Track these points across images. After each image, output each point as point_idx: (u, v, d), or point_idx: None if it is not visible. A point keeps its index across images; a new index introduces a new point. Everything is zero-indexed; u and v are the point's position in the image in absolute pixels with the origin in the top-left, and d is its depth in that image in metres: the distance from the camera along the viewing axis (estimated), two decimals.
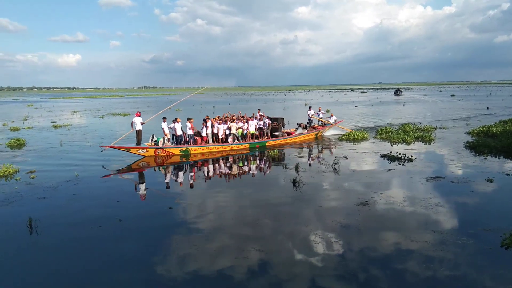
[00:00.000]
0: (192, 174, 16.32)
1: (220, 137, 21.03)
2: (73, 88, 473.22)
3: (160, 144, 19.38)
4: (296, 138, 24.22)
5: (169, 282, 7.02)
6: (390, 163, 16.61)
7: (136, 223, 10.07)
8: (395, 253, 8.01)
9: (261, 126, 22.80)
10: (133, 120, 19.91)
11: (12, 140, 24.54)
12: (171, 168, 17.43)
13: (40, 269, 7.62)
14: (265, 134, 22.95)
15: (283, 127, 24.83)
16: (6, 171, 15.57)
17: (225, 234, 9.24)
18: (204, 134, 20.72)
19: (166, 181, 15.16)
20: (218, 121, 21.28)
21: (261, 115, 23.53)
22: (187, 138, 20.20)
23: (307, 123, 27.21)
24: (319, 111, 27.99)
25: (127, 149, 18.92)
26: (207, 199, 12.23)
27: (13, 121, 41.70)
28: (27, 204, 11.85)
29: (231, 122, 21.68)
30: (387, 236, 8.88)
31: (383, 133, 25.23)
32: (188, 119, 20.07)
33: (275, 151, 19.72)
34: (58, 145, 23.78)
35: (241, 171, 16.47)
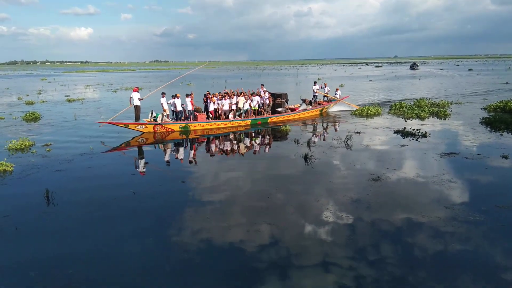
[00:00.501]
0: (203, 149, 16.44)
1: (220, 113, 20.54)
2: (85, 62, 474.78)
3: (159, 120, 19.07)
4: (299, 114, 23.68)
5: (183, 253, 7.20)
6: (403, 138, 16.44)
7: (150, 196, 10.27)
8: (405, 228, 8.03)
9: (261, 102, 22.04)
10: (131, 96, 19.53)
11: (27, 114, 24.92)
12: (180, 144, 17.55)
13: (57, 239, 7.87)
14: (265, 111, 22.28)
15: (287, 103, 24.13)
16: (22, 144, 15.90)
17: (237, 208, 9.37)
18: (211, 108, 20.37)
19: (178, 156, 15.30)
20: (217, 97, 20.69)
21: (264, 91, 22.74)
22: (187, 114, 19.88)
23: (312, 98, 26.44)
24: (325, 86, 27.32)
25: (126, 125, 18.63)
26: (220, 174, 12.35)
27: (27, 95, 42.21)
28: (44, 176, 12.15)
29: (239, 96, 21.14)
30: (398, 211, 8.89)
31: (397, 109, 24.86)
32: (187, 94, 19.68)
33: (287, 126, 19.60)
34: (72, 119, 24.09)
35: (252, 147, 16.51)
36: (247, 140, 17.91)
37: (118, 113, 20.73)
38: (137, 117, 19.29)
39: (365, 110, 24.04)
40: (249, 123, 21.18)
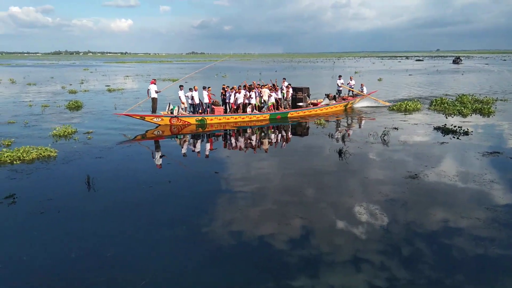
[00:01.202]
0: (234, 142, 16.54)
1: (235, 106, 19.99)
2: (125, 53, 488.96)
3: (175, 112, 18.75)
4: (322, 109, 22.62)
5: (213, 243, 7.31)
6: (443, 136, 15.81)
7: (184, 185, 10.49)
8: (443, 229, 7.75)
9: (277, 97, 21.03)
10: (149, 88, 19.44)
11: (70, 102, 26.05)
12: (211, 136, 17.73)
13: (96, 223, 8.21)
14: (282, 106, 21.33)
15: (309, 97, 23.03)
16: (65, 131, 16.64)
17: (269, 200, 9.38)
18: (231, 100, 19.82)
19: (211, 147, 15.50)
20: (235, 90, 20.01)
21: (287, 85, 21.80)
22: (204, 107, 19.51)
23: (336, 93, 25.32)
24: (350, 80, 26.03)
25: (142, 117, 18.52)
26: (251, 166, 12.40)
27: (70, 84, 44.08)
28: (85, 162, 12.69)
29: (263, 88, 20.49)
30: (435, 211, 8.59)
31: (438, 104, 23.90)
32: (204, 87, 19.35)
33: (322, 120, 19.35)
34: (112, 108, 24.93)
35: (285, 140, 16.44)
36: (278, 133, 17.86)
37: (134, 105, 21.17)
38: (154, 110, 19.23)
39: (404, 105, 23.28)
40: (268, 117, 20.46)
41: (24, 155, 12.63)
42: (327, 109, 22.90)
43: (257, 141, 16.25)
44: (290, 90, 21.79)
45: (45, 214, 8.51)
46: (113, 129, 18.12)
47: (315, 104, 23.07)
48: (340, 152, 13.02)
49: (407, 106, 23.11)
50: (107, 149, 14.40)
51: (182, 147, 15.41)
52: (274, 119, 20.50)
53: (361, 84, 25.73)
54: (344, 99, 24.65)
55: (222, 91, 20.94)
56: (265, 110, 20.54)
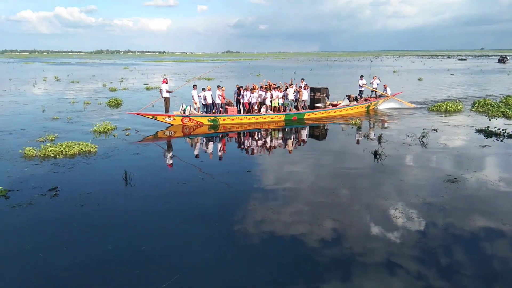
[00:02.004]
0: (266, 141, 16.54)
1: (249, 106, 19.36)
2: (163, 52, 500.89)
3: (187, 112, 18.42)
4: (341, 111, 21.58)
5: (245, 240, 7.35)
6: (486, 138, 15.07)
7: (217, 182, 10.62)
8: (483, 236, 7.39)
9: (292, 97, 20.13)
10: (161, 87, 19.25)
11: (111, 100, 27.00)
12: (242, 135, 17.80)
13: (132, 217, 8.46)
14: (296, 108, 20.39)
15: (327, 98, 22.01)
16: (105, 127, 17.28)
17: (301, 200, 9.31)
18: (245, 100, 19.25)
19: (242, 147, 15.59)
20: (249, 90, 19.34)
21: (305, 85, 20.78)
22: (217, 107, 19.08)
23: (358, 94, 24.01)
24: (374, 80, 24.41)
25: (154, 117, 18.33)
26: (284, 166, 12.36)
27: (111, 82, 45.70)
28: (123, 158, 13.12)
29: (290, 87, 19.95)
30: (476, 217, 8.20)
31: (481, 106, 22.80)
32: (218, 87, 18.94)
33: (357, 120, 18.95)
34: (150, 106, 25.58)
35: (318, 140, 16.26)
36: (310, 133, 17.69)
37: (147, 104, 21.39)
38: (167, 109, 19.05)
39: (444, 106, 22.40)
40: (283, 118, 19.77)
41: (67, 150, 13.22)
42: (347, 110, 21.86)
43: (289, 141, 16.17)
44: (305, 91, 20.51)
45: (85, 207, 8.88)
46: (151, 125, 18.59)
47: (334, 105, 21.95)
48: (375, 153, 12.71)
49: (448, 107, 22.23)
50: (144, 146, 14.84)
51: (214, 146, 15.59)
52: (289, 120, 19.83)
53: (384, 85, 24.38)
54: (366, 100, 23.49)
55: (237, 91, 20.17)
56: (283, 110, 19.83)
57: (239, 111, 19.56)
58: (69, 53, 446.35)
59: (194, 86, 19.32)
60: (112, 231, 7.82)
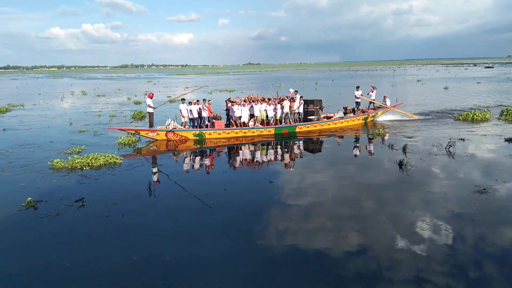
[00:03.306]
0: (289, 151, 16.46)
1: (242, 120, 18.71)
2: (185, 65, 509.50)
3: (171, 126, 17.94)
4: (335, 123, 20.78)
5: (267, 253, 7.28)
6: None
7: (239, 193, 10.61)
8: None
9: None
10: (148, 103, 18.74)
11: (135, 113, 27.58)
12: (267, 145, 17.76)
13: (156, 228, 8.53)
14: (289, 120, 19.57)
15: (321, 110, 21.21)
16: (130, 140, 17.64)
17: (324, 212, 9.17)
18: (238, 114, 18.49)
19: (260, 157, 15.56)
20: (239, 104, 18.72)
21: (300, 97, 20.30)
22: (206, 122, 18.60)
23: (355, 106, 23.10)
24: (371, 91, 23.30)
25: (137, 132, 17.86)
26: (306, 176, 12.25)
27: (135, 95, 46.75)
28: (147, 169, 13.34)
29: (285, 99, 19.20)
30: (507, 229, 7.86)
31: (510, 114, 22.04)
32: (204, 100, 18.58)
33: (381, 130, 18.64)
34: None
35: (341, 150, 16.06)
36: (334, 142, 17.50)
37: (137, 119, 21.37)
38: (151, 124, 18.60)
39: (471, 115, 21.78)
40: (273, 132, 19.08)
41: (93, 162, 13.54)
42: (342, 122, 21.07)
43: (311, 151, 16.05)
44: (296, 103, 19.85)
45: (110, 218, 9.02)
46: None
47: (329, 118, 21.14)
48: (400, 164, 12.45)
49: (475, 116, 21.61)
50: (167, 158, 15.07)
51: (234, 157, 15.63)
52: (280, 134, 19.05)
53: (384, 96, 23.64)
54: (363, 112, 22.65)
55: (226, 106, 19.56)
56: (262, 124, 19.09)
57: (227, 125, 18.96)
58: (96, 67, 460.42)
59: (182, 100, 18.76)
60: (137, 242, 7.90)
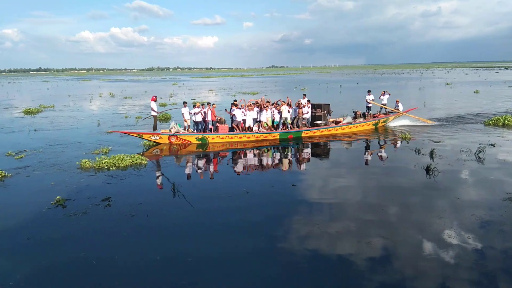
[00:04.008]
0: (312, 154, 16.33)
1: (247, 125, 18.35)
2: (210, 68, 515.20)
3: (173, 130, 17.65)
4: (343, 128, 20.21)
5: (288, 256, 7.23)
6: None
7: (261, 196, 10.61)
8: None
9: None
10: (151, 106, 18.51)
11: (160, 115, 28.01)
12: (286, 148, 17.67)
13: (179, 229, 8.64)
14: (297, 125, 19.22)
15: (329, 115, 20.47)
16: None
17: (348, 217, 9.05)
18: (239, 118, 18.12)
19: (286, 160, 15.50)
20: (244, 107, 18.40)
21: (306, 101, 19.87)
22: (210, 126, 18.29)
23: (366, 110, 22.44)
24: (382, 95, 22.73)
25: (140, 135, 17.72)
26: (330, 181, 12.12)
27: (161, 98, 47.50)
28: (171, 170, 13.54)
29: (283, 105, 18.69)
30: None
31: None
32: (208, 104, 18.42)
33: (407, 134, 18.23)
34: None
35: (365, 154, 15.81)
36: (359, 146, 17.25)
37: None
38: (154, 127, 18.38)
39: (502, 120, 21.02)
40: (277, 136, 18.67)
41: (119, 162, 13.85)
42: (350, 128, 20.46)
43: (334, 155, 15.87)
44: (305, 109, 19.39)
45: (135, 218, 9.20)
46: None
47: (337, 123, 20.60)
48: (427, 169, 12.14)
49: (506, 121, 20.84)
50: (191, 159, 15.24)
51: (257, 159, 15.65)
52: (285, 139, 18.68)
53: (396, 101, 22.93)
54: (374, 117, 21.99)
55: (231, 109, 18.98)
56: (267, 129, 18.65)
57: (231, 129, 18.61)
58: (123, 70, 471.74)
59: (184, 103, 18.66)
60: (161, 242, 8.02)
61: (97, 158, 14.09)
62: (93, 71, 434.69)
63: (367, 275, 6.54)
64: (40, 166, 13.95)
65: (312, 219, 8.91)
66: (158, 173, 13.35)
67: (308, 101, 20.21)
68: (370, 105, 22.55)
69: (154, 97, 18.85)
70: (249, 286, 6.38)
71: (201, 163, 15.08)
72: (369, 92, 22.81)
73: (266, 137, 18.55)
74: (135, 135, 17.84)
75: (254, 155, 16.21)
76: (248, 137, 18.33)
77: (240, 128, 18.33)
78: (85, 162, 13.76)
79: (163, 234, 8.37)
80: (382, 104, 22.72)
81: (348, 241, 7.79)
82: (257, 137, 18.41)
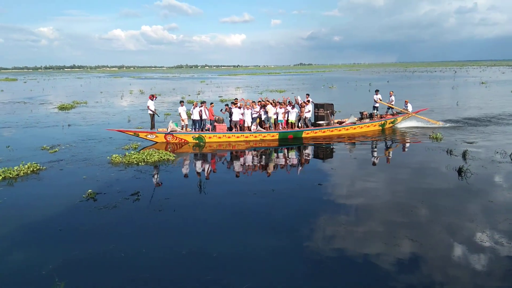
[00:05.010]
0: (339, 153, 16.11)
1: (246, 124, 18.05)
2: (237, 66, 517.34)
3: (169, 128, 17.53)
4: (347, 129, 19.49)
5: (313, 255, 7.18)
6: None
7: (287, 194, 10.58)
8: None
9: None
10: (148, 104, 18.36)
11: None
12: (311, 148, 17.48)
13: (203, 224, 8.74)
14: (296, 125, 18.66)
15: (332, 115, 19.67)
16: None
17: (375, 218, 8.88)
18: (235, 118, 17.93)
19: (312, 158, 15.37)
20: (244, 106, 18.12)
21: (307, 101, 19.10)
22: (208, 125, 18.23)
23: (373, 110, 21.49)
24: (390, 95, 21.69)
25: (136, 134, 17.66)
26: (357, 180, 11.92)
27: (189, 95, 48.20)
28: (197, 167, 13.74)
29: (267, 103, 18.40)
30: None
31: None
32: (204, 102, 18.35)
33: (438, 134, 17.65)
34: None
35: (393, 155, 15.45)
36: (385, 146, 16.88)
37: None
38: (152, 126, 18.21)
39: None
40: (277, 136, 18.16)
41: (148, 158, 14.15)
42: (355, 128, 19.75)
43: (362, 154, 15.60)
44: (307, 107, 18.93)
45: (163, 212, 9.38)
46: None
47: (341, 123, 19.94)
48: (460, 171, 11.74)
49: None
50: (217, 157, 15.39)
51: (282, 157, 15.59)
52: (284, 139, 18.16)
53: (405, 101, 21.88)
54: (382, 117, 21.11)
55: (226, 107, 18.85)
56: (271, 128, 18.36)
57: (229, 129, 18.42)
58: (153, 68, 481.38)
59: (181, 102, 18.55)
60: (186, 236, 8.14)
61: (126, 154, 14.46)
62: (124, 68, 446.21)
63: (394, 278, 6.40)
64: (73, 160, 14.45)
65: (338, 219, 8.80)
66: (185, 169, 13.58)
67: (308, 101, 19.30)
68: (377, 105, 21.64)
69: (151, 96, 18.61)
70: (274, 284, 6.38)
71: (227, 160, 15.18)
72: (376, 91, 21.88)
73: (264, 136, 18.13)
74: (132, 133, 17.81)
75: (279, 154, 16.18)
76: (246, 137, 17.99)
77: (238, 128, 18.10)
78: (115, 157, 14.14)
79: (189, 229, 8.50)
80: (389, 104, 21.65)
81: (375, 242, 7.64)
82: (255, 137, 18.05)
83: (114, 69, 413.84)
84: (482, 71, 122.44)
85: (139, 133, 17.72)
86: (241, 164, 14.36)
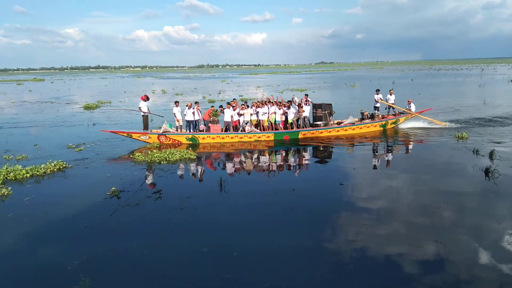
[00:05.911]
0: (360, 153, 15.88)
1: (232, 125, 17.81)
2: (258, 65, 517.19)
3: (162, 129, 17.39)
4: (345, 129, 18.92)
5: (335, 256, 7.10)
6: None
7: (307, 194, 10.50)
8: None
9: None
10: (139, 105, 18.04)
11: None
12: (331, 147, 17.29)
13: (224, 223, 8.77)
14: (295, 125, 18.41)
15: (331, 116, 19.12)
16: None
17: (398, 219, 8.72)
18: (226, 119, 17.81)
19: (333, 158, 15.21)
20: (238, 106, 17.95)
21: (306, 101, 18.80)
22: (202, 125, 18.07)
23: (374, 110, 20.90)
24: (390, 94, 20.96)
25: (129, 135, 17.48)
26: (379, 181, 11.72)
27: (210, 94, 48.57)
28: (218, 166, 13.84)
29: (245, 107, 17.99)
30: None
31: None
32: (197, 103, 18.21)
33: (463, 133, 17.16)
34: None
35: (416, 155, 15.12)
36: (406, 146, 16.52)
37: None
38: (145, 127, 18.05)
39: None
40: (272, 137, 17.85)
41: (170, 156, 14.34)
42: (354, 129, 19.19)
43: (385, 153, 15.34)
44: (306, 107, 18.58)
45: (184, 210, 9.48)
46: None
47: (340, 124, 19.43)
48: (487, 171, 11.39)
49: None
50: (237, 155, 15.44)
51: (303, 156, 15.49)
52: (280, 140, 17.84)
53: (409, 101, 21.02)
54: (383, 118, 20.48)
55: (222, 108, 18.59)
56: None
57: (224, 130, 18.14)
58: (175, 68, 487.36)
59: (176, 103, 18.40)
60: (207, 235, 8.20)
61: (149, 152, 14.69)
62: (147, 68, 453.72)
63: (418, 281, 6.26)
64: (97, 158, 14.80)
65: (360, 219, 8.68)
66: (206, 168, 13.69)
67: (307, 100, 18.97)
68: (378, 105, 20.95)
69: (143, 97, 18.26)
70: (294, 284, 6.35)
71: (247, 159, 15.19)
72: (377, 91, 21.15)
73: (259, 137, 17.82)
74: (125, 134, 17.61)
75: (298, 154, 16.10)
76: (241, 138, 17.76)
77: (231, 128, 17.93)
78: (138, 156, 14.40)
79: (210, 228, 8.56)
80: (390, 104, 20.92)
81: (398, 244, 7.50)
82: (249, 138, 17.79)
83: (137, 69, 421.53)
84: (510, 68, 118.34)
85: (132, 134, 17.59)
86: (259, 164, 14.35)
